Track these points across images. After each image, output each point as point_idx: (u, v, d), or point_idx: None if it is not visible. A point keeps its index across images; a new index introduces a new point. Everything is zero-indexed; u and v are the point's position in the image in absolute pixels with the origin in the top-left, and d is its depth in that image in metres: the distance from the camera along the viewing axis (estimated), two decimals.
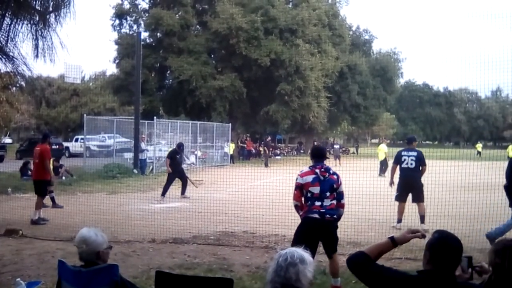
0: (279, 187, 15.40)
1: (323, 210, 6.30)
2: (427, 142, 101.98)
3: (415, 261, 7.67)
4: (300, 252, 3.05)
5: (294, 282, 2.93)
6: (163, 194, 16.31)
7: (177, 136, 29.72)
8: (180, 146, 17.93)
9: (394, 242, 3.13)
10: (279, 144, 58.39)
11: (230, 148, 36.31)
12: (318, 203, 6.31)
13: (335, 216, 6.42)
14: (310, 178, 6.38)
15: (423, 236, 3.13)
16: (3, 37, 7.87)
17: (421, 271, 2.95)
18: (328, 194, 6.35)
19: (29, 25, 7.96)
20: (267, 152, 37.67)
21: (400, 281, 2.90)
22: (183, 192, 16.72)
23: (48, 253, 8.46)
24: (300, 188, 6.41)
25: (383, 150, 26.54)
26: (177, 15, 41.43)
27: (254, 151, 45.41)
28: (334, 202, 6.40)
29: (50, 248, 8.86)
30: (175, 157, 17.20)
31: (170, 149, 18.91)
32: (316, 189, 6.33)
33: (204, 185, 18.78)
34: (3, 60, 8.09)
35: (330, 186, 6.39)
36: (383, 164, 25.39)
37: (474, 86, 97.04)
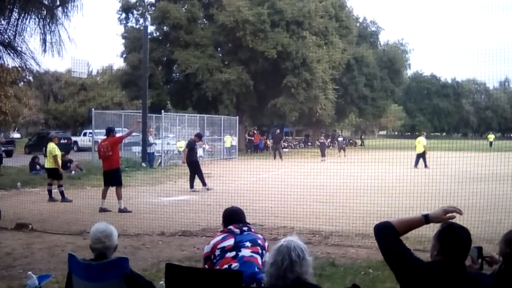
0: (286, 179, 15.44)
1: None
2: (435, 133, 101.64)
3: (424, 252, 7.63)
4: (297, 242, 3.07)
5: (299, 274, 2.97)
6: (204, 184, 16.72)
7: (185, 129, 29.75)
8: (200, 136, 18.10)
9: (427, 220, 3.01)
10: (286, 137, 58.31)
11: (227, 141, 35.47)
12: None
13: None
14: None
15: (460, 213, 2.98)
16: (11, 31, 7.88)
17: (431, 261, 2.94)
18: None
19: (36, 19, 7.96)
20: (279, 145, 37.35)
21: (422, 270, 2.87)
22: (192, 185, 16.79)
23: (58, 247, 8.50)
24: None
25: (422, 143, 26.67)
26: (183, 8, 41.48)
27: (262, 144, 45.29)
28: None
29: (60, 242, 8.90)
30: (194, 147, 17.40)
31: (189, 140, 18.94)
32: None
33: (212, 178, 18.80)
34: (11, 55, 8.09)
35: None
36: (421, 157, 25.78)
37: (482, 77, 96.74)
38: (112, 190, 12.69)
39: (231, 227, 4.45)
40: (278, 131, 41.55)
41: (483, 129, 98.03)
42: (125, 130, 28.97)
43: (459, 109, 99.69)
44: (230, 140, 35.13)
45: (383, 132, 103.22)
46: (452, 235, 2.88)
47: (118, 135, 14.85)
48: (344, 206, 11.49)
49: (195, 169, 17.00)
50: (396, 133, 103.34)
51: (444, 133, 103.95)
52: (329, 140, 47.44)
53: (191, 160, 17.13)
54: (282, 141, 40.99)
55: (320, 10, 42.05)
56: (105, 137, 13.36)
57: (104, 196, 12.66)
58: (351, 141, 58.11)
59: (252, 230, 4.54)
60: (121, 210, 12.27)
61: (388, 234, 3.02)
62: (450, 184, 11.56)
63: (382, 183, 12.26)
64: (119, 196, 12.58)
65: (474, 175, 14.05)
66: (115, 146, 12.94)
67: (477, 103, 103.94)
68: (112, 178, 12.73)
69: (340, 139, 42.82)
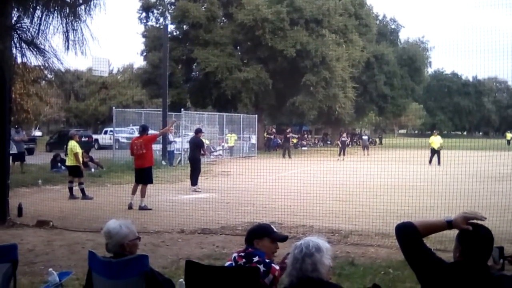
0: (305, 178, 15.39)
1: None
2: (456, 132, 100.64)
3: (444, 252, 7.57)
4: (315, 240, 3.05)
5: (310, 273, 2.93)
6: (193, 184, 16.53)
7: (205, 128, 29.81)
8: (200, 131, 17.80)
9: (450, 226, 2.96)
10: (305, 136, 58.02)
11: (231, 139, 34.01)
12: None
13: None
14: None
15: (482, 219, 2.89)
16: (34, 29, 7.90)
17: (454, 262, 2.90)
18: None
19: (59, 17, 7.97)
20: (288, 143, 36.96)
21: (444, 270, 2.84)
22: (195, 183, 16.68)
23: (78, 244, 8.57)
24: None
25: (434, 142, 27.42)
26: (203, 7, 41.58)
27: (280, 142, 45.09)
28: None
29: (80, 239, 8.97)
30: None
31: (194, 139, 18.72)
32: None
33: (231, 176, 18.82)
34: (34, 53, 8.12)
35: None
36: (435, 153, 26.71)
37: (503, 75, 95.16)
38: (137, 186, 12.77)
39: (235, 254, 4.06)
40: (289, 130, 41.09)
41: (505, 128, 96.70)
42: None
43: (480, 107, 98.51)
44: (235, 139, 34.45)
45: (403, 131, 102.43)
46: (474, 236, 2.84)
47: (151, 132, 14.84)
48: (364, 205, 11.45)
49: (195, 167, 16.92)
50: (416, 131, 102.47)
51: (465, 132, 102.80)
52: (349, 139, 47.15)
53: (195, 158, 17.08)
54: (291, 139, 40.41)
55: (340, 8, 41.89)
56: (138, 135, 13.43)
57: (134, 192, 12.75)
58: (370, 140, 57.76)
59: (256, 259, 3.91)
60: (141, 208, 12.34)
61: (409, 235, 2.98)
62: (471, 183, 11.45)
63: (402, 182, 12.18)
64: (143, 194, 12.66)
65: (495, 174, 13.90)
66: (149, 144, 13.05)
67: (498, 101, 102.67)
68: (143, 176, 12.81)
69: (364, 137, 42.58)
